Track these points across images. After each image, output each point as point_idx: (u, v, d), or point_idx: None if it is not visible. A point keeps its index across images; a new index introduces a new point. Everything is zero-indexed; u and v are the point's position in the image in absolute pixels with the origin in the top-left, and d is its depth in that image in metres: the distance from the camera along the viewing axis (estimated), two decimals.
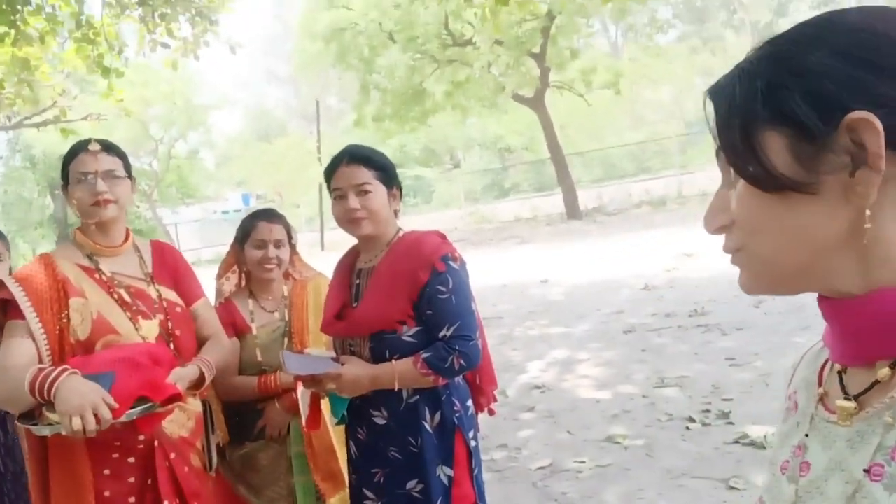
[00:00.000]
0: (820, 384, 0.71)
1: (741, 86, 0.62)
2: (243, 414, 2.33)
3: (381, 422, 1.96)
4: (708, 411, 4.24)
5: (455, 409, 1.93)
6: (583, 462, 3.82)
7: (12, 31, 6.69)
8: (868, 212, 0.57)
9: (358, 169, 1.95)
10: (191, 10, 8.05)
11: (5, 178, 26.32)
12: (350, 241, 2.12)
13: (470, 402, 2.01)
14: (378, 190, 1.96)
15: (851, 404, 0.63)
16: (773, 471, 0.73)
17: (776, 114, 0.59)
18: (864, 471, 0.59)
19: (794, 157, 0.58)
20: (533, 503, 3.48)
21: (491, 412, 2.18)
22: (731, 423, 3.99)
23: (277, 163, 24.57)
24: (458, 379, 1.99)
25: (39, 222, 26.09)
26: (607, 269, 9.92)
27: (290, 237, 2.43)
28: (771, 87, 0.59)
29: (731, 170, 0.64)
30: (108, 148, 2.00)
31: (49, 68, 8.76)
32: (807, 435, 0.68)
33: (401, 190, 2.08)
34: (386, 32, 18.15)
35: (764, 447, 3.56)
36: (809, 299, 0.68)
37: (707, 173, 17.78)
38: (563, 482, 3.64)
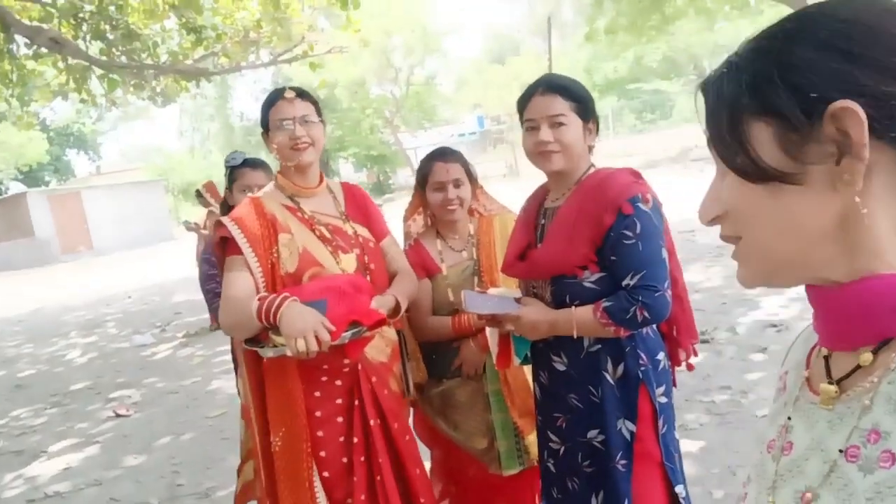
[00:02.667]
0: (808, 367, 0.73)
1: (728, 79, 0.64)
2: (440, 352, 2.36)
3: (561, 368, 1.87)
4: None
5: (641, 361, 1.78)
6: None
7: None
8: (858, 199, 0.58)
9: (553, 99, 1.81)
10: None
11: None
12: None
13: (661, 356, 1.84)
14: (573, 123, 1.81)
15: (833, 388, 0.65)
16: (760, 448, 0.75)
17: (762, 106, 0.61)
18: (840, 451, 0.61)
19: (781, 148, 0.60)
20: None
21: (689, 367, 1.99)
22: None
23: (510, 84, 24.57)
24: (649, 329, 1.83)
25: None
26: None
27: (469, 174, 2.37)
28: (756, 79, 0.61)
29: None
30: (302, 94, 2.08)
31: (298, 5, 9.44)
32: (789, 418, 0.71)
33: (597, 124, 1.90)
34: None
35: None
36: None
37: None
38: None
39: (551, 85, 1.84)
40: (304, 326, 1.76)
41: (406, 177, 28.09)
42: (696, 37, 26.58)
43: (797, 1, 16.32)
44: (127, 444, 4.76)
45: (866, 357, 0.62)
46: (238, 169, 3.02)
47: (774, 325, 4.80)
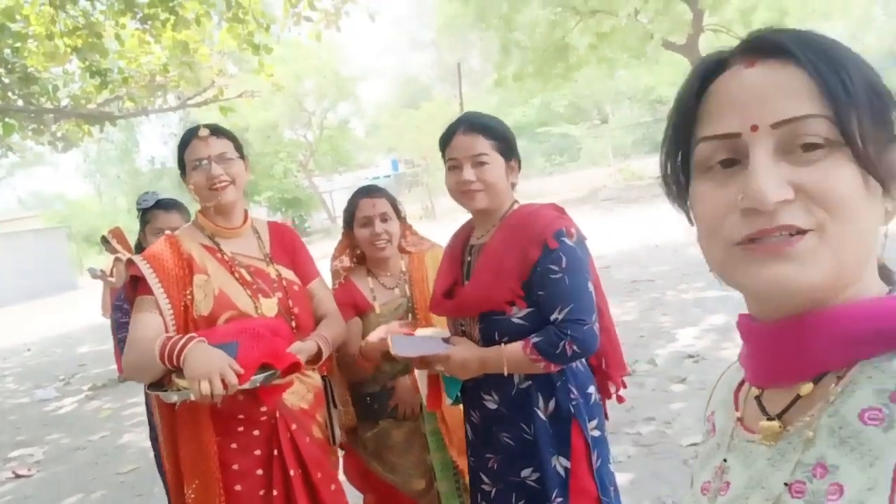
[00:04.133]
0: (736, 406, 0.73)
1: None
2: (374, 394, 2.31)
3: (492, 406, 1.84)
4: None
5: (572, 396, 1.77)
6: None
7: (171, 17, 7.12)
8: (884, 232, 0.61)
9: (475, 139, 1.82)
10: None
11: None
12: None
13: (592, 389, 1.83)
14: (496, 161, 1.82)
15: (776, 424, 0.64)
16: (693, 491, 0.74)
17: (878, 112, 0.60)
18: (785, 484, 0.60)
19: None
20: (682, 481, 3.24)
21: (619, 399, 2.00)
22: None
23: (423, 128, 24.91)
24: (578, 364, 1.82)
25: None
26: None
27: (396, 210, 2.35)
28: (872, 85, 0.61)
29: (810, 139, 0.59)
30: (217, 131, 2.02)
31: (206, 50, 9.30)
32: (725, 460, 0.70)
33: (519, 162, 1.92)
34: None
35: None
36: None
37: None
38: None
39: (473, 124, 1.84)
40: (209, 369, 1.67)
41: (321, 219, 27.83)
42: (598, 83, 27.83)
43: (691, 50, 17.42)
44: None
45: (807, 387, 0.62)
46: (150, 211, 2.92)
47: (691, 356, 4.94)
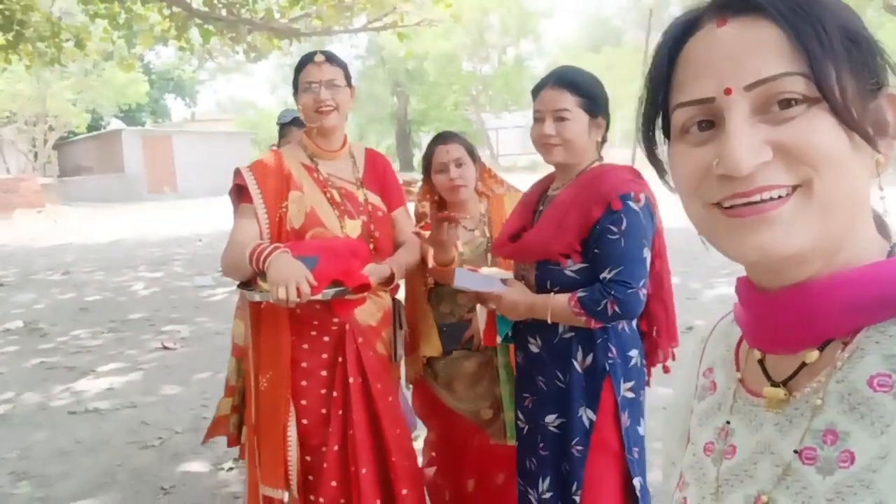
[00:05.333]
0: (737, 365, 0.71)
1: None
2: (451, 324, 2.41)
3: (535, 349, 1.92)
4: None
5: (609, 354, 1.80)
6: None
7: None
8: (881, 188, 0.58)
9: (560, 93, 1.84)
10: None
11: (361, 75, 29.88)
12: None
13: (634, 353, 1.85)
14: (578, 118, 1.84)
15: (782, 391, 0.63)
16: (694, 450, 0.73)
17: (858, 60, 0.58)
18: (795, 452, 0.59)
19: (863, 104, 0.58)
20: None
21: (665, 370, 1.99)
22: None
23: (603, 74, 24.00)
24: (625, 325, 1.85)
25: (383, 118, 29.17)
26: None
27: (472, 154, 2.40)
28: (856, 34, 0.58)
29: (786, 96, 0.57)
30: (331, 59, 2.15)
31: None
32: (728, 422, 0.68)
33: (608, 119, 1.92)
34: None
35: None
36: None
37: None
38: None
39: (562, 79, 1.86)
40: (288, 276, 1.83)
41: (483, 156, 27.92)
42: None
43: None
44: (167, 374, 5.06)
45: (813, 355, 0.61)
46: (288, 126, 3.10)
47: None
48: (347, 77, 2.20)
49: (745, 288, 0.65)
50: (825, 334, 0.60)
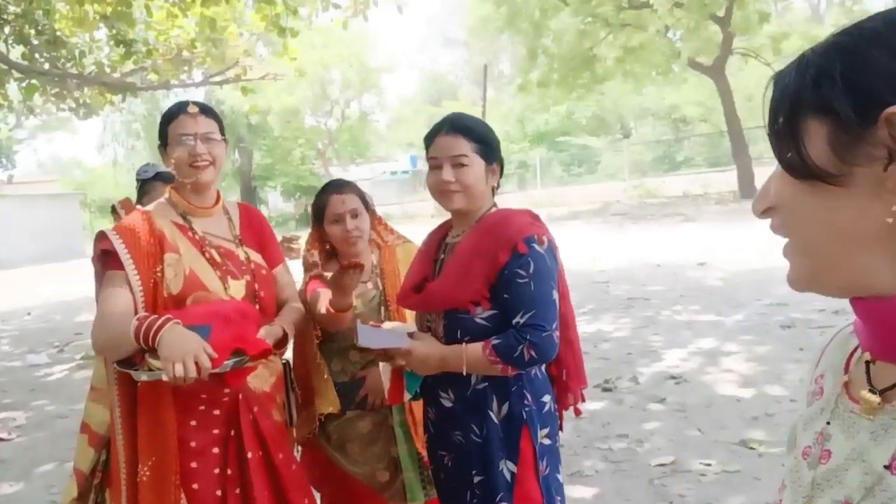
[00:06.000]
0: (846, 371, 0.71)
1: (797, 73, 0.63)
2: (342, 384, 2.31)
3: (447, 404, 1.86)
4: None
5: (525, 402, 1.78)
6: (709, 465, 3.49)
7: None
8: (895, 207, 0.56)
9: (456, 139, 1.83)
10: None
11: None
12: None
13: (547, 398, 1.85)
14: (475, 163, 1.83)
15: (876, 398, 0.63)
16: (795, 454, 0.73)
17: (820, 103, 0.59)
18: (885, 467, 0.59)
19: (831, 147, 0.59)
20: (646, 501, 3.24)
21: (576, 412, 2.01)
22: None
23: None
24: (537, 371, 1.84)
25: (226, 174, 28.34)
26: (775, 257, 9.03)
27: (365, 204, 2.36)
28: (820, 76, 0.60)
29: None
30: (206, 111, 2.03)
31: (235, 28, 9.34)
32: (828, 423, 0.68)
33: (502, 166, 1.93)
34: None
35: None
36: None
37: None
38: (682, 483, 3.35)
39: (456, 125, 1.86)
40: (185, 351, 1.68)
41: None
42: (623, 98, 27.74)
43: (717, 72, 17.35)
44: (4, 470, 4.43)
45: None
46: (150, 182, 2.90)
47: (674, 377, 4.93)
48: (222, 129, 2.08)
49: (856, 299, 0.66)
50: None
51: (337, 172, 28.97)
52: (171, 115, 2.01)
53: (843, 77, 0.58)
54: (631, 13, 17.04)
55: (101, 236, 1.95)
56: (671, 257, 9.83)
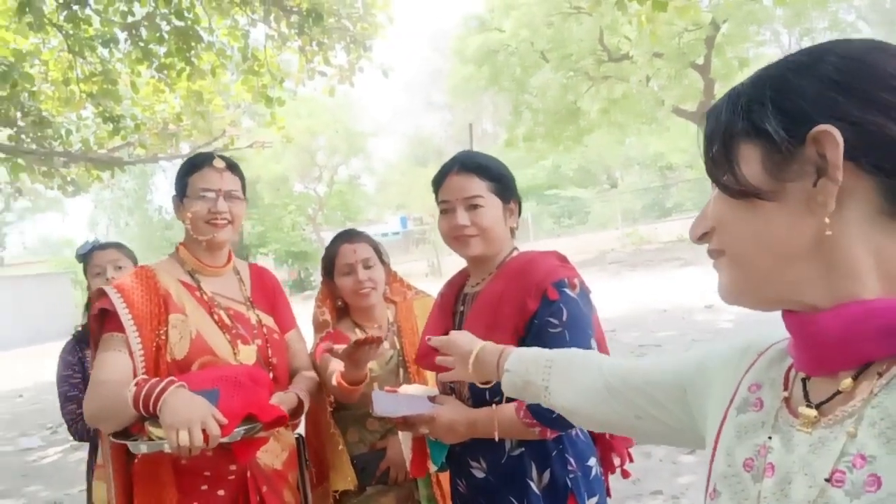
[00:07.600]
0: (786, 387, 0.73)
1: (729, 104, 0.68)
2: (361, 455, 2.10)
3: (480, 475, 1.64)
4: None
5: (569, 467, 1.56)
6: None
7: (187, 67, 7.14)
8: (827, 220, 0.61)
9: (469, 179, 1.67)
10: (346, 38, 8.27)
11: None
12: None
13: (593, 461, 1.63)
14: (492, 204, 1.67)
15: (813, 412, 0.66)
16: (729, 462, 0.73)
17: (751, 127, 0.65)
18: (826, 479, 0.61)
19: (764, 167, 0.65)
20: None
21: (625, 474, 1.78)
22: None
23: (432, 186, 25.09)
24: (578, 431, 1.63)
25: None
26: None
27: (380, 255, 2.18)
28: (751, 103, 0.66)
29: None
30: (232, 167, 1.88)
31: (221, 101, 9.36)
32: (770, 437, 0.70)
33: (520, 204, 1.77)
34: (538, 52, 17.90)
35: None
36: None
37: None
38: None
39: (467, 164, 1.70)
40: (191, 417, 1.48)
41: None
42: (608, 148, 28.03)
43: (702, 117, 17.54)
44: None
45: (846, 383, 0.64)
46: (89, 255, 2.75)
47: None
48: (244, 188, 1.93)
49: (786, 314, 0.70)
50: (860, 358, 0.63)
51: (328, 237, 28.96)
52: (194, 167, 1.84)
53: (772, 102, 0.64)
54: (611, 65, 17.30)
55: (100, 294, 1.77)
56: (676, 301, 9.62)
